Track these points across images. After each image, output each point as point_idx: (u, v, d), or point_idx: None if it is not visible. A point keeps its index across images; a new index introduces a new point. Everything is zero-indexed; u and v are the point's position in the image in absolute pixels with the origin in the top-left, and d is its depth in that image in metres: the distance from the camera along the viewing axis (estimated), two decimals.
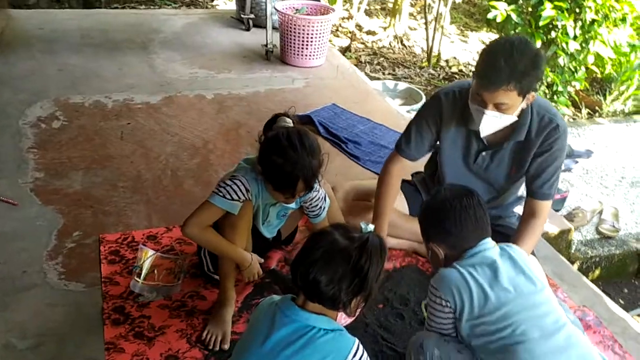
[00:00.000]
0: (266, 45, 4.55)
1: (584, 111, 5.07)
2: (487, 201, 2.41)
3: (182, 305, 2.19)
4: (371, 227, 1.45)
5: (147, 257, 2.33)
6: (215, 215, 1.99)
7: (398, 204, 2.52)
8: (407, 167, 2.50)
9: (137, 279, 2.22)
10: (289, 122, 1.96)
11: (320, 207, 2.13)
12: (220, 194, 1.96)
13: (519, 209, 2.45)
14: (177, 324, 2.10)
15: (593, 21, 4.19)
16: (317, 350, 1.36)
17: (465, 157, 2.31)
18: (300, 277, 1.40)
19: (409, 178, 2.67)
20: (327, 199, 2.15)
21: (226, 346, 2.00)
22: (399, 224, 2.52)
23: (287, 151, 1.83)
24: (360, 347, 1.41)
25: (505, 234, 2.26)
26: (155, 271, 2.27)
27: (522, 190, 2.40)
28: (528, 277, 1.63)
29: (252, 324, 1.51)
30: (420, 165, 2.59)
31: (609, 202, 3.79)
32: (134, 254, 2.41)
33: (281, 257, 2.45)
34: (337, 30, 6.23)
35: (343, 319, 1.95)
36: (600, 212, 3.68)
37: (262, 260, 2.18)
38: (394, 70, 5.56)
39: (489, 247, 1.66)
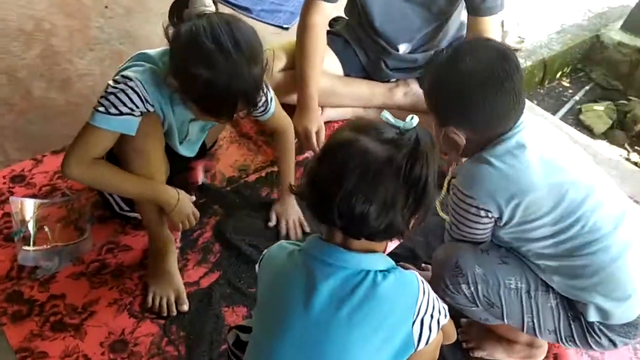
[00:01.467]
0: None
1: None
2: (429, 39, 2.04)
3: (103, 266, 1.62)
4: (416, 119, 0.99)
5: (26, 210, 1.66)
6: (104, 142, 1.37)
7: (328, 64, 2.03)
8: (329, 14, 1.98)
9: (26, 247, 1.58)
10: (209, 3, 1.31)
11: (267, 103, 1.57)
12: (102, 108, 1.33)
13: None
14: (106, 294, 1.56)
15: None
16: (383, 300, 0.98)
17: None
18: (338, 215, 0.96)
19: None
20: (270, 88, 1.58)
21: (185, 307, 1.53)
22: (337, 89, 2.06)
23: (215, 58, 1.23)
24: (421, 279, 1.03)
25: None
26: (47, 228, 1.63)
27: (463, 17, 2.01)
28: (572, 151, 1.29)
29: (272, 288, 1.05)
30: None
31: (509, 12, 3.55)
32: (3, 211, 1.72)
33: (206, 165, 1.90)
34: None
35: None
36: (502, 24, 3.44)
37: (193, 198, 1.67)
38: None
39: (524, 127, 1.27)
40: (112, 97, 1.33)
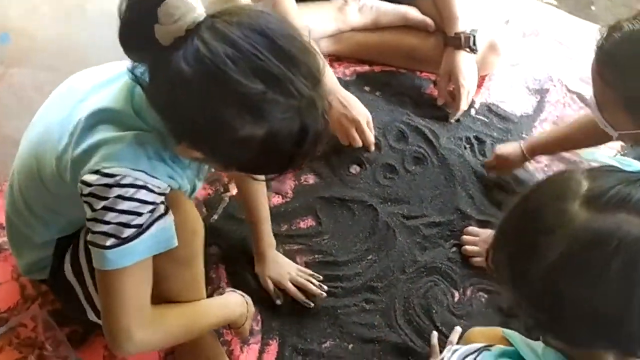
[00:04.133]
0: None
1: None
2: None
3: None
4: None
5: None
6: (144, 278, 0.87)
7: None
8: None
9: None
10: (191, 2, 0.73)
11: None
12: (110, 241, 0.81)
13: None
14: None
15: None
16: None
17: None
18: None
19: None
20: None
21: None
22: None
23: (267, 104, 0.74)
24: None
25: None
26: None
27: None
28: None
29: None
30: None
31: None
32: None
33: None
34: None
35: None
36: None
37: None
38: None
39: None
40: (112, 216, 0.79)
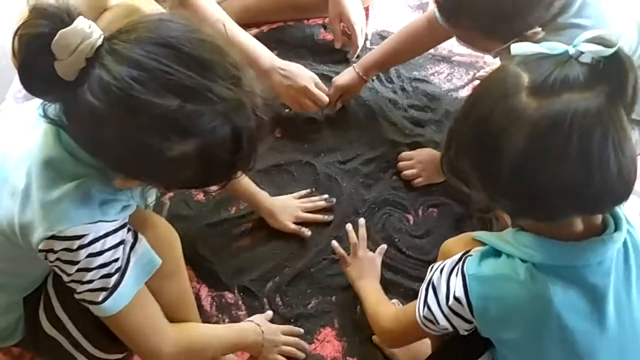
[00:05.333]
0: None
1: None
2: None
3: None
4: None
5: None
6: (149, 304, 0.89)
7: None
8: None
9: None
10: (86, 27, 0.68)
11: None
12: (102, 295, 0.81)
13: None
14: None
15: None
16: None
17: None
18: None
19: None
20: None
21: None
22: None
23: (196, 119, 0.71)
24: None
25: None
26: None
27: None
28: None
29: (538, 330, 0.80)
30: None
31: None
32: None
33: None
34: None
35: None
36: None
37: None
38: None
39: None
40: (91, 275, 0.79)
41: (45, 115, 0.74)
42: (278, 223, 1.31)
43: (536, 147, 0.68)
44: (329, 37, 1.67)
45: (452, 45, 1.64)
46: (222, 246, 1.32)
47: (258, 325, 1.13)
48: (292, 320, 1.24)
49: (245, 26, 1.66)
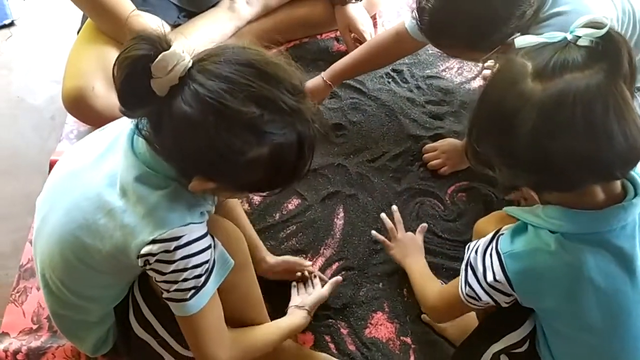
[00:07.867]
0: None
1: None
2: None
3: None
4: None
5: None
6: (216, 311, 0.99)
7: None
8: None
9: None
10: (178, 54, 0.82)
11: None
12: (190, 293, 0.92)
13: None
14: None
15: None
16: None
17: None
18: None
19: None
20: None
21: None
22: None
23: (263, 124, 0.84)
24: None
25: None
26: None
27: None
28: None
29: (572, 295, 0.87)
30: None
31: None
32: None
33: None
34: None
35: None
36: None
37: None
38: None
39: None
40: (186, 274, 0.90)
41: (138, 129, 0.87)
42: (267, 274, 1.30)
43: (546, 124, 0.77)
44: (343, 47, 1.79)
45: None
46: (270, 250, 1.42)
47: (303, 308, 1.22)
48: (344, 311, 1.33)
49: (267, 47, 1.79)
